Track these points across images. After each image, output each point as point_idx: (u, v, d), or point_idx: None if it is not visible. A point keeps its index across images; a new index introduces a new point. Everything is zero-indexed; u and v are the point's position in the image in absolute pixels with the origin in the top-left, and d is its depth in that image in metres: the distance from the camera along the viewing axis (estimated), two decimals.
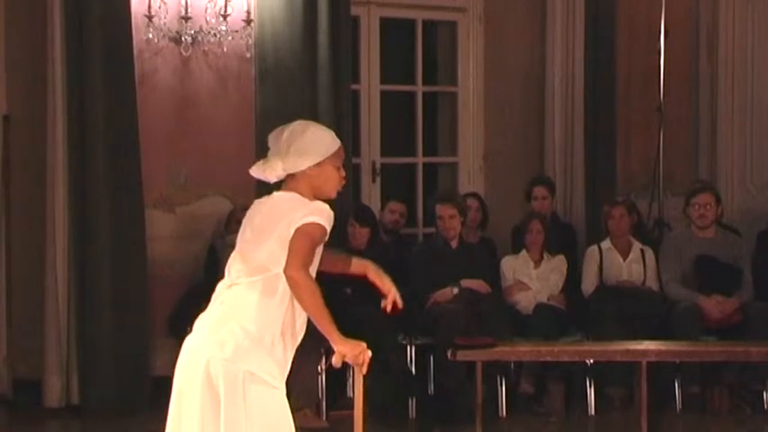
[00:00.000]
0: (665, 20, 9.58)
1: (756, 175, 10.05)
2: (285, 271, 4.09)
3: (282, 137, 4.28)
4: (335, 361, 4.12)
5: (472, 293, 8.07)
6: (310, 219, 4.13)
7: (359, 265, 4.52)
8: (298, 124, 4.34)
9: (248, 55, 8.47)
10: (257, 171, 4.29)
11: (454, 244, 8.23)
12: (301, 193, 4.22)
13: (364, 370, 4.16)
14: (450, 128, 9.75)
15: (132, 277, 7.91)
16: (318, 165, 4.23)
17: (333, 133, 4.35)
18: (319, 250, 4.21)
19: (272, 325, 4.14)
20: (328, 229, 4.16)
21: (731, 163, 10.05)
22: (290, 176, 4.25)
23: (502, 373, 7.86)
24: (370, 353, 4.15)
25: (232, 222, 8.39)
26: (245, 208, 8.53)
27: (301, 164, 4.22)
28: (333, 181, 4.27)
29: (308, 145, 4.23)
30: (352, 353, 4.10)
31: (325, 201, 4.26)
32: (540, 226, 8.40)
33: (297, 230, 4.12)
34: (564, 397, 8.01)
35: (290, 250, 4.10)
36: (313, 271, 4.19)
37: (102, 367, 7.79)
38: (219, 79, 8.53)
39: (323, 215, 4.16)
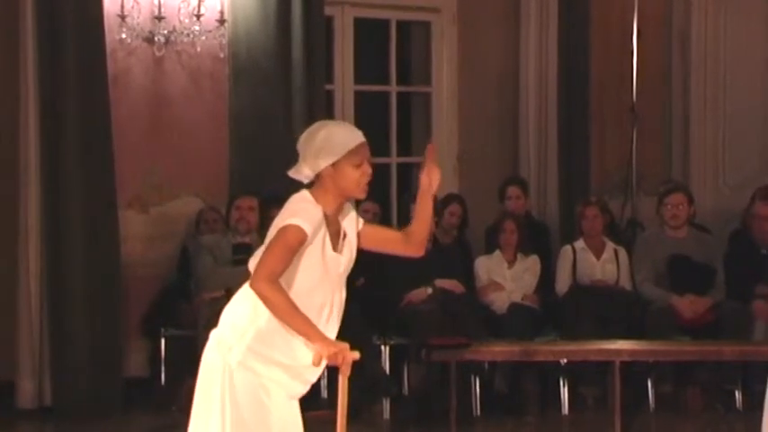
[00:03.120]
0: (638, 21, 9.62)
1: (729, 175, 10.09)
2: (250, 284, 4.07)
3: (302, 140, 4.23)
4: (314, 360, 4.06)
5: (446, 293, 8.08)
6: (288, 221, 4.09)
7: (422, 207, 4.38)
8: (316, 125, 4.27)
9: (222, 55, 8.46)
10: (293, 173, 4.24)
11: (428, 244, 8.21)
12: (325, 194, 4.17)
13: (346, 371, 4.08)
14: (424, 128, 9.76)
15: (105, 278, 7.88)
16: (334, 165, 4.15)
17: (351, 131, 4.25)
18: (312, 250, 4.12)
19: (257, 321, 4.12)
20: (308, 229, 4.08)
21: (704, 163, 10.09)
22: (317, 177, 4.20)
23: (476, 372, 7.87)
24: (356, 354, 4.06)
25: (201, 223, 8.37)
26: (214, 208, 8.63)
27: (319, 165, 4.16)
28: (351, 180, 4.17)
29: (322, 146, 4.16)
30: (327, 352, 4.03)
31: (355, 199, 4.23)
32: (514, 226, 8.41)
33: (275, 234, 4.10)
34: (538, 396, 8.02)
35: (260, 259, 4.07)
36: (307, 275, 4.12)
37: (76, 368, 7.75)
38: (193, 79, 8.50)
39: (303, 216, 4.10)
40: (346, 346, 4.07)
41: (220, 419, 4.13)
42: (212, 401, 4.15)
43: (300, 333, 4.07)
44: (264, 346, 4.12)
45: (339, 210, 4.24)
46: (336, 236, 4.23)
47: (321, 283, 4.18)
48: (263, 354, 4.12)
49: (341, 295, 4.26)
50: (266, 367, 4.13)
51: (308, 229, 4.08)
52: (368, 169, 4.23)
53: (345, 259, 4.26)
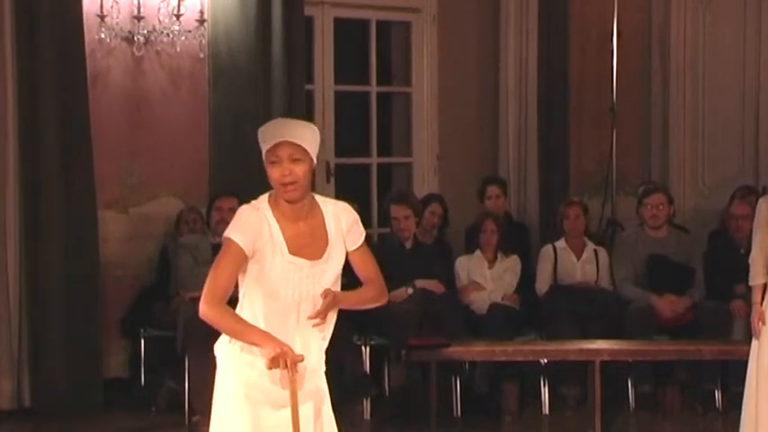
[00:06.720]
0: (618, 21, 9.64)
1: (708, 176, 10.13)
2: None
3: None
4: (265, 365, 4.01)
5: (427, 294, 8.08)
6: (224, 234, 4.05)
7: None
8: None
9: (201, 55, 8.44)
10: None
11: (409, 244, 8.23)
12: (276, 194, 4.09)
13: (293, 375, 3.97)
14: (404, 128, 9.76)
15: (84, 278, 7.85)
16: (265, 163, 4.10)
17: (277, 128, 4.08)
18: (261, 255, 4.00)
19: None
20: (239, 239, 3.99)
21: (683, 163, 10.13)
22: None
23: (456, 373, 7.87)
24: (300, 357, 3.98)
25: (181, 223, 8.35)
26: (194, 209, 8.60)
27: None
28: (272, 180, 4.04)
29: None
30: (267, 356, 3.96)
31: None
32: (495, 226, 8.42)
33: None
34: (518, 396, 8.03)
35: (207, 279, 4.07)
36: (263, 278, 4.03)
37: (55, 369, 7.73)
38: (172, 79, 8.48)
39: (235, 226, 4.02)
40: (290, 348, 3.98)
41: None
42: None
43: (249, 343, 4.02)
44: (239, 347, 4.10)
45: (301, 211, 4.09)
46: (304, 237, 4.09)
47: (280, 288, 4.06)
48: (240, 354, 4.10)
49: (314, 301, 4.09)
50: (245, 368, 4.11)
51: (238, 238, 4.00)
52: (285, 170, 4.01)
53: (316, 265, 4.11)
